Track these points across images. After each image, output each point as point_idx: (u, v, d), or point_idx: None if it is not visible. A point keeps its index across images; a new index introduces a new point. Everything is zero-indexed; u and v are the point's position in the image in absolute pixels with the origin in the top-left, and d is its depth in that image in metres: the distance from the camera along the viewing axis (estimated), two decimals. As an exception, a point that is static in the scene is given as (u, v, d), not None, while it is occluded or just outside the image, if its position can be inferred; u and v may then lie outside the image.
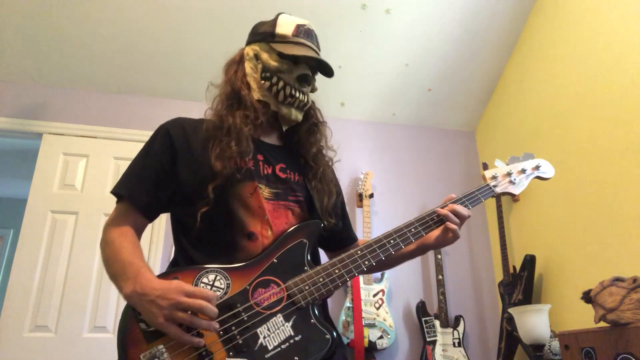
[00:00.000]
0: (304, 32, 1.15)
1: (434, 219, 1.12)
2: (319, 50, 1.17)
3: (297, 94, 1.12)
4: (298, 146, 1.19)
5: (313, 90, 1.20)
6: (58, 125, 2.93)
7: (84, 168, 2.88)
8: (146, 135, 2.89)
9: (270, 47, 1.14)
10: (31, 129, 2.89)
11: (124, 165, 1.12)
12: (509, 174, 1.28)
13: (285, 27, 1.14)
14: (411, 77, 3.23)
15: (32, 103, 2.95)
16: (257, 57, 1.15)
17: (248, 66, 1.16)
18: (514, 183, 1.28)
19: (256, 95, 1.13)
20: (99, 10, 2.71)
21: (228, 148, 1.04)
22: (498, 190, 1.25)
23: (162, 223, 2.86)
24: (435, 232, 1.14)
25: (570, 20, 2.60)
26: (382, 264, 1.18)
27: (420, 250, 1.20)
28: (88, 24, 2.76)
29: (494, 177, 1.27)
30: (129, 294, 0.90)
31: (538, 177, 1.32)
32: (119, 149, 2.96)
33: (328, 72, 1.16)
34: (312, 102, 1.23)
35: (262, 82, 1.13)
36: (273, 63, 1.12)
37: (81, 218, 2.77)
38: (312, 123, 1.20)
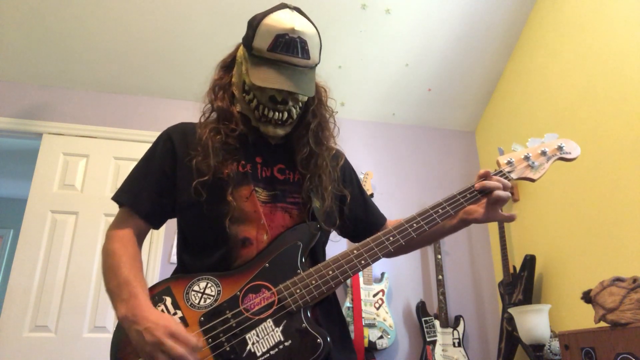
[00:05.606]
0: (284, 45, 1.02)
1: (439, 212, 1.05)
2: (307, 54, 1.05)
3: (271, 114, 1.05)
4: (295, 146, 1.13)
5: (298, 101, 1.09)
6: (58, 125, 2.93)
7: (84, 168, 2.88)
8: (146, 135, 2.94)
9: (247, 60, 1.07)
10: (31, 129, 2.89)
11: (124, 165, 1.12)
12: (526, 158, 1.15)
13: (262, 38, 1.02)
14: (411, 77, 3.23)
15: (32, 103, 2.95)
16: (242, 64, 1.09)
17: (236, 73, 1.11)
18: (532, 167, 1.15)
19: (238, 107, 1.10)
20: (98, 10, 2.71)
21: (202, 163, 1.01)
22: (513, 176, 1.12)
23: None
24: (477, 205, 1.09)
25: (570, 20, 2.60)
26: (409, 242, 1.07)
27: (463, 223, 1.13)
28: (88, 24, 2.76)
29: (509, 163, 1.14)
30: (121, 317, 0.90)
31: (562, 159, 1.19)
32: (119, 149, 2.95)
33: (303, 91, 1.05)
34: (323, 91, 1.18)
35: (243, 95, 1.08)
36: (248, 79, 1.06)
37: (81, 218, 2.77)
38: (306, 123, 1.12)
